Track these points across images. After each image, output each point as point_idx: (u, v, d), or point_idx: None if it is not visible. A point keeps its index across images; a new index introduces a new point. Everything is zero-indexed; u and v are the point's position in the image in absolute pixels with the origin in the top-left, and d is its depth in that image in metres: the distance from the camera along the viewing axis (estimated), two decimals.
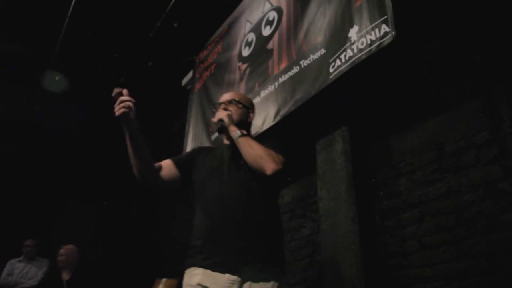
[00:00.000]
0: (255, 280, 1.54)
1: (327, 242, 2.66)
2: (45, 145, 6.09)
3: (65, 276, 3.74)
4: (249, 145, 1.68)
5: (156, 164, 1.81)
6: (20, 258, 4.56)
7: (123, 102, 1.65)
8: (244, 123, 1.89)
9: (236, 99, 1.93)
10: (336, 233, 2.59)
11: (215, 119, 1.87)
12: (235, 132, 1.75)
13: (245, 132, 1.78)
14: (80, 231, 5.61)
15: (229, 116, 1.82)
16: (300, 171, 3.31)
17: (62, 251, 3.81)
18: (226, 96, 1.97)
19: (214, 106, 1.97)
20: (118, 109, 1.64)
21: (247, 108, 1.94)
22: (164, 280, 4.16)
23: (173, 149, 5.91)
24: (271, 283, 1.55)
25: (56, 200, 6.05)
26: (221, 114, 1.84)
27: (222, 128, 1.83)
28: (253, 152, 1.65)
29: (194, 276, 1.58)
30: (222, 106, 1.92)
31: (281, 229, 1.73)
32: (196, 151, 2.00)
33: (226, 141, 1.91)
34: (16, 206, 5.57)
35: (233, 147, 1.76)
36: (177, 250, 5.21)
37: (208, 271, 1.56)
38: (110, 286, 5.01)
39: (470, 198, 2.13)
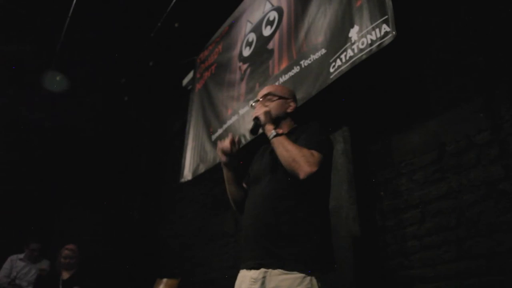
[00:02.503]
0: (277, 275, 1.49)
1: None
2: (45, 145, 6.09)
3: (65, 275, 3.73)
4: (283, 146, 1.61)
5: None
6: (21, 256, 4.55)
7: (222, 149, 1.79)
8: (283, 116, 1.85)
9: (272, 91, 1.88)
10: (336, 233, 2.58)
11: (253, 116, 1.79)
12: (269, 132, 1.68)
13: (280, 131, 1.68)
14: (80, 231, 5.61)
15: (266, 114, 1.74)
16: None
17: (68, 252, 3.79)
18: (262, 91, 1.91)
19: (252, 106, 1.92)
20: (221, 157, 1.80)
21: (285, 99, 1.88)
22: (165, 280, 4.17)
23: (174, 149, 5.92)
24: (296, 276, 1.47)
25: (57, 200, 6.05)
26: (258, 111, 1.76)
27: (255, 128, 1.78)
28: (287, 155, 1.58)
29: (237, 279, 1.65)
30: (259, 103, 1.87)
31: (321, 231, 1.59)
32: (256, 156, 1.99)
33: None
34: (17, 206, 5.58)
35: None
36: (177, 250, 5.21)
37: (244, 271, 1.61)
38: (111, 286, 5.02)
39: (471, 198, 2.13)
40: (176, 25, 4.86)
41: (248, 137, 3.37)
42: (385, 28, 2.36)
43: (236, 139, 1.80)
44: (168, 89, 6.37)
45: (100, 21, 4.95)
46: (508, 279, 1.89)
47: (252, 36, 3.93)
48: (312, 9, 3.12)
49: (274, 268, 1.49)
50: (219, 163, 3.85)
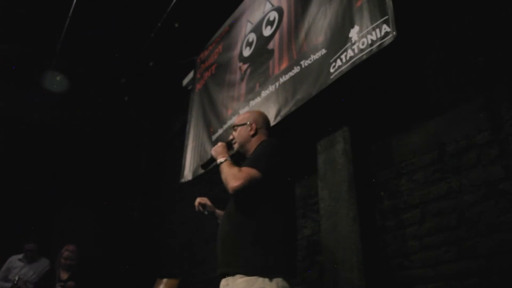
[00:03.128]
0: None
1: (328, 242, 2.66)
2: (45, 145, 6.09)
3: (64, 275, 3.72)
4: (222, 170, 1.89)
5: None
6: (20, 257, 4.55)
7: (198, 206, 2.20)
8: (248, 140, 2.09)
9: (235, 123, 2.16)
10: (337, 233, 2.59)
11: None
12: (218, 161, 1.97)
13: (223, 159, 1.94)
14: (80, 231, 5.61)
15: (216, 151, 2.02)
16: (301, 171, 3.31)
17: (68, 253, 3.78)
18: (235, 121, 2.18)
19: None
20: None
21: (244, 125, 2.12)
22: (165, 280, 4.16)
23: (174, 149, 5.92)
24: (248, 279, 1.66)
25: (57, 200, 6.05)
26: (213, 151, 2.04)
27: (208, 163, 2.14)
28: (223, 176, 1.86)
29: None
30: (231, 136, 2.15)
31: (267, 239, 1.74)
32: None
33: None
34: (17, 206, 5.58)
35: None
36: (177, 250, 5.21)
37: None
38: (111, 286, 5.02)
39: (471, 198, 2.13)
40: (176, 25, 4.86)
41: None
42: (385, 28, 2.36)
43: (201, 208, 2.24)
44: (168, 89, 6.37)
45: (100, 21, 4.95)
46: (508, 279, 1.89)
47: (252, 36, 3.93)
48: (312, 9, 3.12)
49: (234, 274, 1.72)
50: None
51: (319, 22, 3.01)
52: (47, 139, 6.12)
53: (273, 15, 3.69)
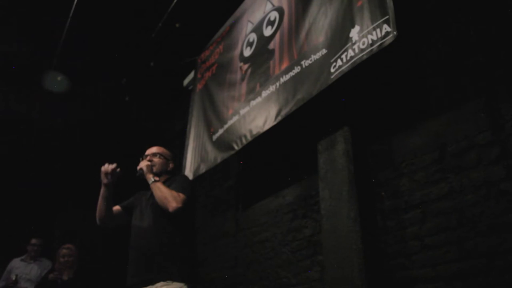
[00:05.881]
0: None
1: (328, 242, 2.66)
2: (45, 145, 6.10)
3: (65, 275, 3.72)
4: (159, 189, 2.18)
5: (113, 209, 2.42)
6: (23, 257, 4.55)
7: (104, 171, 2.28)
8: (165, 171, 2.43)
9: (159, 152, 2.48)
10: (337, 233, 2.59)
11: (138, 167, 2.36)
12: (149, 179, 2.27)
13: (157, 178, 2.28)
14: (80, 232, 5.61)
15: (148, 167, 2.33)
16: (302, 171, 3.31)
17: (66, 251, 3.78)
18: (151, 150, 2.50)
19: (142, 157, 2.48)
20: (102, 178, 2.30)
21: (167, 160, 2.47)
22: None
23: (175, 149, 5.91)
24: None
25: (57, 200, 6.05)
26: (142, 164, 2.36)
27: (140, 175, 2.34)
28: (161, 195, 2.15)
29: None
30: (147, 157, 2.43)
31: (189, 252, 2.17)
32: (136, 196, 2.52)
33: None
34: (17, 207, 5.58)
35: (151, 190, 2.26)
36: None
37: None
38: (111, 286, 5.01)
39: (472, 198, 2.12)
40: (177, 25, 4.86)
41: (244, 140, 3.43)
42: (386, 28, 2.35)
43: (118, 169, 2.31)
44: (169, 89, 6.37)
45: (101, 21, 4.95)
46: (509, 279, 1.88)
47: (253, 36, 3.93)
48: (313, 9, 3.12)
49: (158, 281, 2.02)
50: (220, 163, 3.87)
51: (320, 22, 3.00)
52: (47, 139, 6.12)
53: (274, 15, 3.69)
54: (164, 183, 2.29)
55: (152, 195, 2.26)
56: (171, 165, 2.49)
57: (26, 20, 4.96)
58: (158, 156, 2.46)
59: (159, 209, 2.17)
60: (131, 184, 2.66)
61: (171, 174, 2.49)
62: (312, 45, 3.01)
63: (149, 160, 2.41)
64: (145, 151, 2.54)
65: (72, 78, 5.86)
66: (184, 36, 5.11)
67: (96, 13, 4.77)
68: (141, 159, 2.47)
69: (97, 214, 2.37)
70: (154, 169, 2.37)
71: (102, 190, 2.32)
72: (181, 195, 2.15)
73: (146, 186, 2.33)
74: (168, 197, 2.12)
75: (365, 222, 2.51)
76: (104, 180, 2.29)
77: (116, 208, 2.46)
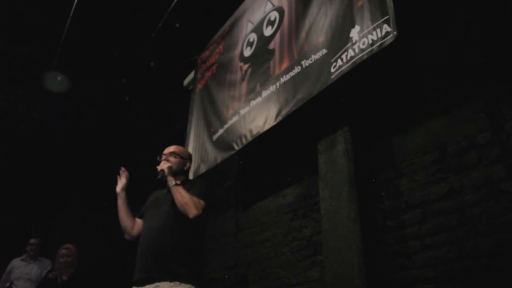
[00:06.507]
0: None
1: (328, 242, 2.66)
2: (45, 145, 6.09)
3: (64, 276, 3.71)
4: (179, 193, 2.16)
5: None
6: (23, 257, 4.55)
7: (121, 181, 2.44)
8: (181, 171, 2.42)
9: (176, 151, 2.46)
10: (337, 233, 2.59)
11: (158, 168, 2.34)
12: (171, 182, 2.22)
13: (178, 182, 2.23)
14: (80, 232, 5.61)
15: (169, 168, 2.29)
16: (302, 171, 3.31)
17: (65, 251, 3.78)
18: (169, 149, 2.48)
19: (159, 156, 2.45)
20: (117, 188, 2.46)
21: (184, 159, 2.47)
22: None
23: None
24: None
25: (57, 200, 6.05)
26: (163, 166, 2.32)
27: (162, 177, 2.30)
28: (182, 200, 2.13)
29: None
30: (164, 157, 2.41)
31: (199, 256, 2.19)
32: (150, 197, 2.54)
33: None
34: (17, 207, 5.58)
35: (170, 191, 2.24)
36: None
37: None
38: (110, 286, 5.01)
39: (472, 198, 2.12)
40: (177, 25, 4.86)
41: (244, 140, 3.42)
42: (386, 28, 2.36)
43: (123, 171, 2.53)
44: (169, 89, 6.37)
45: (101, 21, 4.95)
46: (508, 279, 1.88)
47: (253, 36, 3.93)
48: (313, 9, 3.12)
49: (164, 280, 2.01)
50: (220, 163, 3.87)
51: (320, 22, 3.01)
52: (47, 139, 6.12)
53: (274, 15, 3.69)
54: (183, 186, 2.26)
55: (168, 194, 2.26)
56: (188, 165, 2.49)
57: (26, 20, 4.96)
58: (175, 155, 2.44)
59: (175, 210, 2.17)
60: (131, 185, 2.62)
61: (187, 174, 2.50)
62: (312, 45, 3.01)
63: (166, 160, 2.40)
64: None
65: (72, 78, 5.86)
66: (184, 36, 5.12)
67: (96, 13, 4.77)
68: (158, 158, 2.45)
69: (122, 229, 2.46)
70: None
71: (118, 201, 2.49)
72: (202, 202, 2.16)
73: (151, 186, 2.33)
74: (189, 202, 2.12)
75: (365, 222, 2.51)
76: (118, 189, 2.49)
77: (137, 220, 2.50)
